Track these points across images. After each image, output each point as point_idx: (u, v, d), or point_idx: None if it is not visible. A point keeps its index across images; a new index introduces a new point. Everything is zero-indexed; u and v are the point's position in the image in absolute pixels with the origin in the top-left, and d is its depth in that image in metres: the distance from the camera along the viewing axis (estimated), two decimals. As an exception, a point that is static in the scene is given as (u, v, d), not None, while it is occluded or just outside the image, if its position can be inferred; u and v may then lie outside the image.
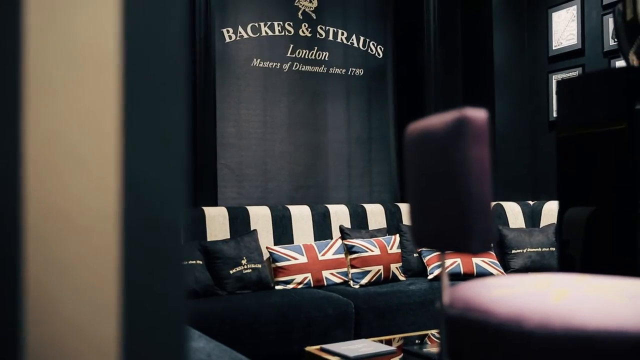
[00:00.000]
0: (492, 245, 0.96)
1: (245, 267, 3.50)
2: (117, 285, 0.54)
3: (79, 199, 0.55)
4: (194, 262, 3.38)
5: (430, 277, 3.83)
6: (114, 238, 0.54)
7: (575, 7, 4.22)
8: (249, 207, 3.86)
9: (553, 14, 4.39)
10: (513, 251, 3.95)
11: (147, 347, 0.55)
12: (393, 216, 4.20)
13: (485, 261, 3.89)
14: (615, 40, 1.86)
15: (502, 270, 3.89)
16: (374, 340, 2.92)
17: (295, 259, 3.68)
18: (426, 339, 2.95)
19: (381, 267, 3.77)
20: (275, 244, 3.81)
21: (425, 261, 3.93)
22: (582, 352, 0.86)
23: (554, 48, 4.40)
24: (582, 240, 1.73)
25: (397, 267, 3.86)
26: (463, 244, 0.89)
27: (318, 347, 2.79)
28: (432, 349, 2.81)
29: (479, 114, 0.89)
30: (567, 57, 4.29)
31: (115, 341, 0.54)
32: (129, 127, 0.53)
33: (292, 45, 4.31)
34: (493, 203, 4.27)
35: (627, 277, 1.19)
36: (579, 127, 1.58)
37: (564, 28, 4.31)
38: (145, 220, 0.54)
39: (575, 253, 1.85)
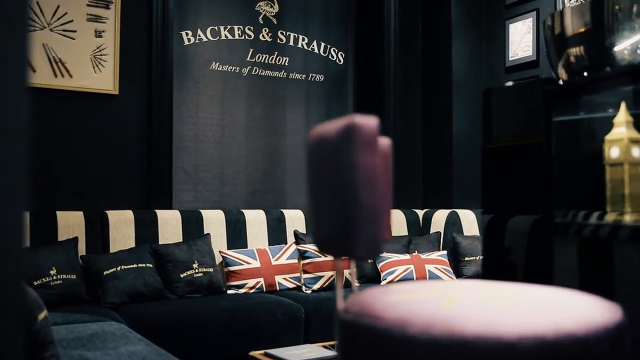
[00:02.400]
0: (380, 252, 0.97)
1: (197, 270, 3.48)
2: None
3: None
4: (144, 265, 3.35)
5: (383, 283, 3.85)
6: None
7: (531, 19, 4.30)
8: (202, 211, 3.85)
9: (510, 25, 4.47)
10: (466, 258, 3.99)
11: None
12: (349, 222, 4.22)
13: (438, 268, 3.93)
14: (546, 53, 1.90)
15: (454, 277, 3.93)
16: (323, 345, 2.92)
17: (248, 263, 3.68)
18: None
19: (334, 272, 3.78)
20: (229, 248, 3.80)
21: (379, 267, 3.95)
22: (462, 358, 0.88)
23: (510, 59, 4.47)
24: (526, 249, 1.76)
25: (350, 273, 3.87)
26: (350, 249, 0.90)
27: (262, 351, 2.78)
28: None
29: (368, 122, 0.91)
30: (523, 67, 4.37)
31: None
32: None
33: (252, 50, 4.31)
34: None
35: (543, 284, 1.22)
36: (502, 138, 1.61)
37: (520, 39, 4.38)
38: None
39: (518, 261, 1.88)
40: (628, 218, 1.33)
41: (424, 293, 1.03)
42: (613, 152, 1.37)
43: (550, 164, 1.47)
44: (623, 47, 1.69)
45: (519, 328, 0.87)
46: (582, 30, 1.75)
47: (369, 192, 0.89)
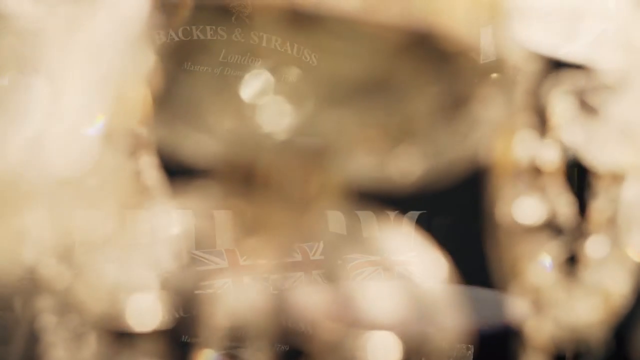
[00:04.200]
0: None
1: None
2: None
3: None
4: (110, 265, 3.35)
5: (351, 284, 3.87)
6: None
7: (502, 22, 4.35)
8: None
9: (483, 29, 4.51)
10: (436, 260, 4.03)
11: None
12: (320, 223, 4.23)
13: (407, 269, 3.94)
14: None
15: (423, 279, 3.96)
16: (288, 346, 2.93)
17: (216, 263, 3.67)
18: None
19: (302, 273, 3.79)
20: (197, 248, 3.80)
21: (348, 269, 3.96)
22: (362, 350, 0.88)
23: (482, 61, 4.52)
24: (461, 251, 1.77)
25: (319, 274, 3.89)
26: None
27: (224, 352, 2.78)
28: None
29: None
30: (496, 69, 4.42)
31: None
32: None
33: (224, 50, 4.32)
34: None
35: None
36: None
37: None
38: None
39: (451, 262, 1.90)
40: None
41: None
42: (546, 154, 1.38)
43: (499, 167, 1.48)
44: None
45: (418, 327, 0.88)
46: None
47: (269, 190, 0.89)
